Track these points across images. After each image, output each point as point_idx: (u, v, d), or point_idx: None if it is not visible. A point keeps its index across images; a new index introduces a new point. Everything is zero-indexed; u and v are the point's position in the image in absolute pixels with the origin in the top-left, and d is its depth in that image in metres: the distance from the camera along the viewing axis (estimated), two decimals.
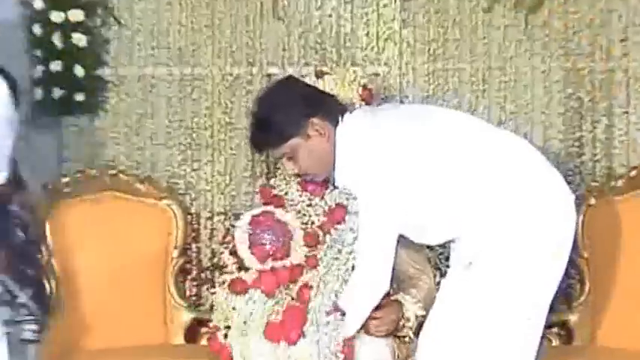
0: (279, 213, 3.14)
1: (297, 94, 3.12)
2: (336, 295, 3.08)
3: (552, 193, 3.08)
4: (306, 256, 3.17)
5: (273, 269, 3.13)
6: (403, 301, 3.14)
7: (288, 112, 3.08)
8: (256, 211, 3.18)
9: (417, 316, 3.15)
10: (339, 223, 3.16)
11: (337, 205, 3.19)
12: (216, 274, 3.86)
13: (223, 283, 3.20)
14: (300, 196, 3.27)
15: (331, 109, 3.17)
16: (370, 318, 3.09)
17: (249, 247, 3.11)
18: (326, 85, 3.30)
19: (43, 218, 3.58)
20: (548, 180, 3.08)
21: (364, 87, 3.33)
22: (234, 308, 3.15)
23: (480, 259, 3.05)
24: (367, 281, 3.07)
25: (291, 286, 3.12)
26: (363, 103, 3.30)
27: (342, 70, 3.44)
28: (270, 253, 3.09)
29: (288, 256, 3.10)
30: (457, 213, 3.05)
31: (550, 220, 3.05)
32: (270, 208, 3.19)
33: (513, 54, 3.97)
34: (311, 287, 3.10)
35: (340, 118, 3.13)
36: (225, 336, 3.16)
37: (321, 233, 3.20)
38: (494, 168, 3.05)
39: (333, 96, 3.28)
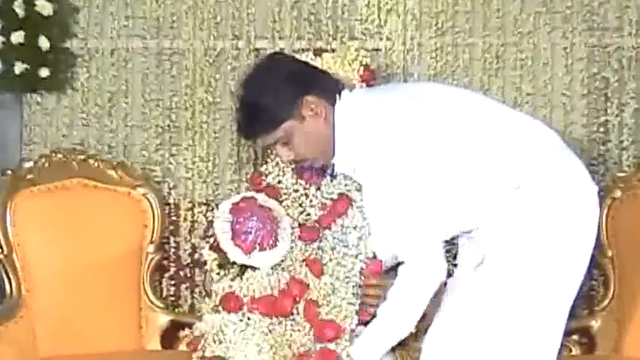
0: (261, 198, 3.04)
1: (286, 71, 2.97)
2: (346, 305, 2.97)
3: (573, 183, 2.98)
4: (305, 259, 3.06)
5: (272, 296, 3.00)
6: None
7: (277, 92, 2.92)
8: (236, 198, 3.08)
9: None
10: (340, 216, 3.03)
11: (340, 195, 3.07)
12: (197, 271, 3.89)
13: (209, 294, 3.07)
14: (295, 184, 3.16)
15: (327, 86, 3.02)
16: None
17: (232, 239, 2.99)
18: (324, 64, 3.20)
19: (2, 208, 3.58)
20: (568, 169, 2.99)
21: (366, 67, 3.24)
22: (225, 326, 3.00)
23: (492, 258, 2.96)
24: (421, 282, 2.92)
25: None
26: (364, 85, 3.20)
27: (343, 47, 3.35)
28: (257, 242, 2.98)
29: (275, 244, 2.98)
30: (467, 203, 2.95)
31: (570, 214, 2.95)
32: (251, 193, 3.09)
33: (531, 28, 3.87)
34: (316, 303, 2.99)
35: (338, 96, 2.99)
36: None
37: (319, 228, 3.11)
38: (509, 154, 2.95)
39: (326, 72, 3.15)
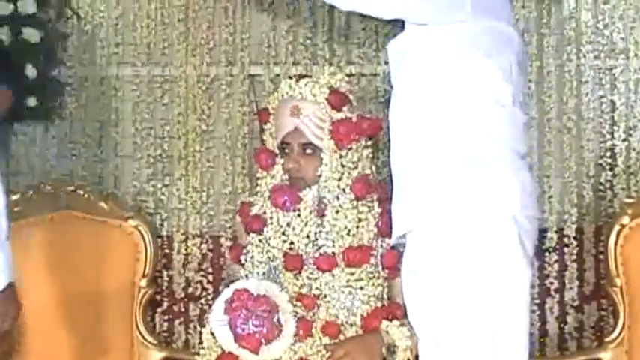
0: (253, 286, 2.91)
1: None
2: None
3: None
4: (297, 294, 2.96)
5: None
6: (388, 330, 2.90)
7: None
8: (227, 293, 2.94)
9: (408, 348, 2.89)
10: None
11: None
12: (191, 306, 3.87)
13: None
14: (275, 212, 3.01)
15: None
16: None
17: (236, 341, 2.89)
18: (297, 90, 2.98)
19: None
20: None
21: (332, 90, 2.98)
22: None
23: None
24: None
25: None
26: (334, 111, 2.97)
27: (321, 72, 3.17)
28: (262, 339, 2.87)
29: (280, 331, 2.88)
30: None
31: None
32: (240, 284, 2.94)
33: (537, 48, 3.87)
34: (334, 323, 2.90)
35: None
36: None
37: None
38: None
39: None
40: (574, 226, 3.78)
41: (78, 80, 3.92)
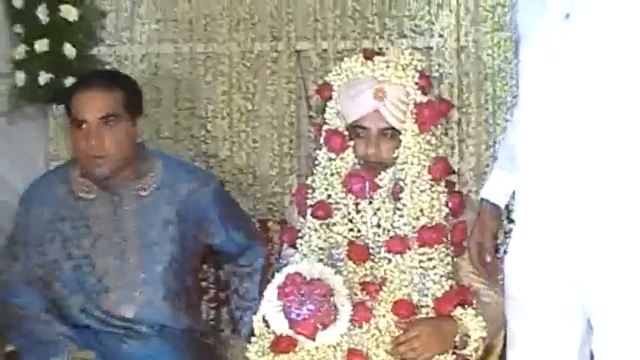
0: (305, 270, 2.81)
1: None
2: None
3: None
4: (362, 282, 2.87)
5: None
6: (462, 318, 2.83)
7: None
8: (280, 278, 2.83)
9: (481, 338, 2.81)
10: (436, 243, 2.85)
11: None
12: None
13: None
14: (344, 198, 2.92)
15: None
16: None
17: (291, 327, 2.79)
18: (376, 69, 2.93)
19: None
20: None
21: (421, 73, 2.96)
22: None
23: None
24: None
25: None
26: (419, 92, 2.93)
27: (396, 50, 3.07)
28: (318, 324, 2.77)
29: (336, 316, 2.77)
30: None
31: None
32: (293, 268, 2.83)
33: None
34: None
35: None
36: None
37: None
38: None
39: None
40: None
41: (117, 59, 3.91)
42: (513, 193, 2.65)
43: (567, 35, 2.37)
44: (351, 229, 2.90)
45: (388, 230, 2.87)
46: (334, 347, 2.76)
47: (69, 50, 3.80)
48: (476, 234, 2.69)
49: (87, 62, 3.84)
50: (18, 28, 3.80)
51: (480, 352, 2.85)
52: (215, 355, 3.23)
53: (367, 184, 2.88)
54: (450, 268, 2.83)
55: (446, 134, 3.54)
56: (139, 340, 3.02)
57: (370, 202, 2.89)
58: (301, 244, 2.90)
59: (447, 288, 2.79)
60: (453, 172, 2.97)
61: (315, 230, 2.90)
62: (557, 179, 2.39)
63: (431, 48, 3.76)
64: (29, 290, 3.02)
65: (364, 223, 2.88)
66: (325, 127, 2.91)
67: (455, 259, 2.85)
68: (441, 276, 2.82)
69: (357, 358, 2.73)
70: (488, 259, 2.70)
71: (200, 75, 3.88)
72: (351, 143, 2.87)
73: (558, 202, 2.40)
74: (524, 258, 2.49)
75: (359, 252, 2.86)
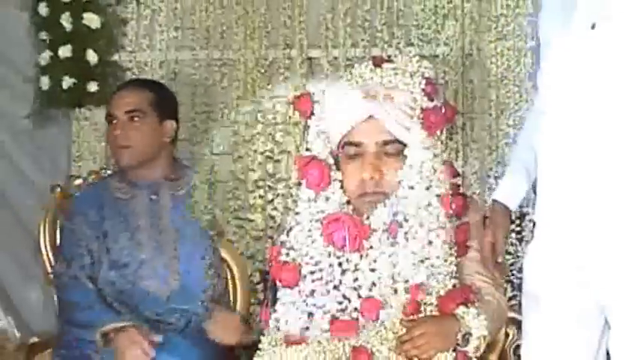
0: None
1: None
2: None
3: None
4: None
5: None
6: (464, 316, 2.63)
7: None
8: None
9: (482, 336, 2.63)
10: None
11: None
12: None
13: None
14: (326, 255, 2.49)
15: None
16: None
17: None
18: (383, 76, 2.76)
19: (51, 226, 3.37)
20: None
21: (428, 80, 2.73)
22: None
23: None
24: None
25: None
26: (426, 99, 2.73)
27: (405, 58, 2.91)
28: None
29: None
30: None
31: None
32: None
33: None
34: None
35: None
36: None
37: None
38: None
39: None
40: None
41: (137, 65, 3.92)
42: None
43: (593, 45, 2.29)
44: (335, 298, 2.43)
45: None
46: (344, 341, 2.45)
47: (91, 56, 3.81)
48: (489, 234, 2.56)
49: (108, 68, 3.86)
50: (43, 35, 3.83)
51: (481, 351, 2.68)
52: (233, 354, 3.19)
53: (350, 232, 2.33)
54: (453, 267, 2.64)
55: (451, 139, 3.44)
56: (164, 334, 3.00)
57: (364, 256, 2.43)
58: (276, 322, 2.37)
59: (450, 287, 2.61)
60: (458, 174, 2.74)
61: (293, 303, 2.39)
62: (577, 183, 2.34)
63: (437, 56, 3.77)
64: (82, 288, 3.05)
65: (355, 289, 2.40)
66: (304, 155, 2.38)
67: (458, 259, 2.66)
68: (445, 275, 2.63)
69: (362, 356, 2.44)
70: (500, 259, 2.62)
71: (216, 80, 3.89)
72: (338, 175, 2.44)
73: (578, 204, 2.35)
74: (545, 256, 2.42)
75: (346, 327, 2.45)
